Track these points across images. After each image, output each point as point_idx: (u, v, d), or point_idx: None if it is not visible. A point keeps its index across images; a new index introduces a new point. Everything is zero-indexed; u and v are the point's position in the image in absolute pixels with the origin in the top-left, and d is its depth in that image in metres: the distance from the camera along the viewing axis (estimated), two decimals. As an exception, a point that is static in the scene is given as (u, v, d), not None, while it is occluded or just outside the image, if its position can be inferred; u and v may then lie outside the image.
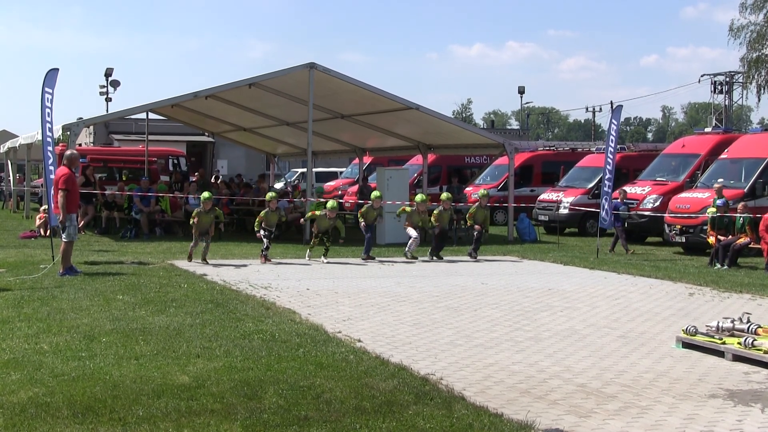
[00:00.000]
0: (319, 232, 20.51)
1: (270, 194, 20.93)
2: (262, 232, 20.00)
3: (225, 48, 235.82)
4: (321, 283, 16.06)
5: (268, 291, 15.00)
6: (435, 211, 21.64)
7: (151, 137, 35.65)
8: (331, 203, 20.95)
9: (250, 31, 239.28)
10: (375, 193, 22.26)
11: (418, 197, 22.36)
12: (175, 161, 40.00)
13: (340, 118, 30.27)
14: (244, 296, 14.26)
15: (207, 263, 18.70)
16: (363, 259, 20.64)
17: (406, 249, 21.45)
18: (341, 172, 46.07)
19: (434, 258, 21.31)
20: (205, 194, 19.38)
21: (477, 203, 22.68)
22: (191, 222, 19.19)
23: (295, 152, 38.61)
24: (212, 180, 35.00)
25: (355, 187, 35.55)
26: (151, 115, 34.99)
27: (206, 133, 45.07)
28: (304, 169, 36.46)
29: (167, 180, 32.59)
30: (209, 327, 11.36)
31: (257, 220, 20.24)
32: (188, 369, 8.99)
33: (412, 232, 21.48)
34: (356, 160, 38.65)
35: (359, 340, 10.81)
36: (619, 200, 23.57)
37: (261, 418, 7.26)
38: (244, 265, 18.85)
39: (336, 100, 28.11)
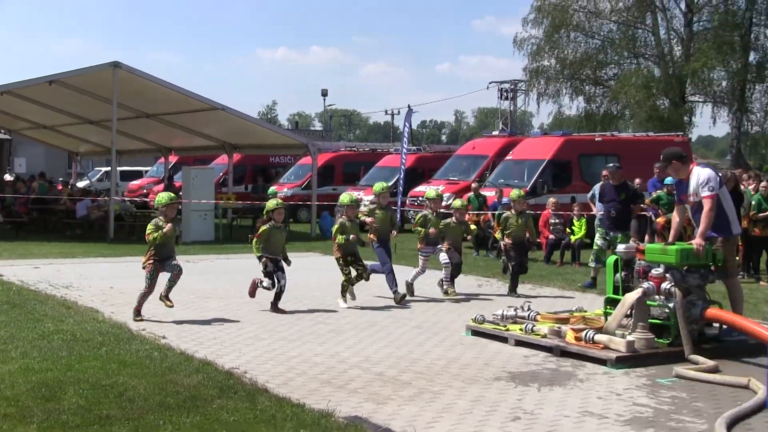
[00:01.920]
0: (345, 256, 13.50)
1: (274, 201, 13.36)
2: (265, 262, 12.88)
3: (27, 44, 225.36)
4: (125, 282, 15.59)
5: (69, 290, 14.48)
6: (445, 222, 14.99)
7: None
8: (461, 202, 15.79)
9: (57, 28, 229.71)
10: (380, 185, 14.85)
11: (457, 202, 15.85)
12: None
13: (146, 117, 29.52)
14: (43, 296, 13.70)
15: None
16: (397, 301, 13.72)
17: (409, 279, 14.76)
18: (146, 171, 44.96)
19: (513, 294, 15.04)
20: None
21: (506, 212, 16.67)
22: None
23: (99, 151, 37.27)
24: (5, 178, 33.34)
25: (161, 186, 34.84)
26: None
27: (2, 131, 42.79)
28: (108, 168, 35.35)
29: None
30: (4, 329, 10.80)
31: (255, 239, 12.92)
32: (-20, 373, 8.52)
33: (444, 258, 14.46)
34: (162, 159, 37.82)
35: (164, 337, 10.61)
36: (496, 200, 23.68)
37: (59, 420, 6.98)
38: (43, 266, 18.09)
39: (141, 100, 27.39)
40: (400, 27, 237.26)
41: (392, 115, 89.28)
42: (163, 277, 12.04)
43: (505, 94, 45.04)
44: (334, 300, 13.81)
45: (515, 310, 11.37)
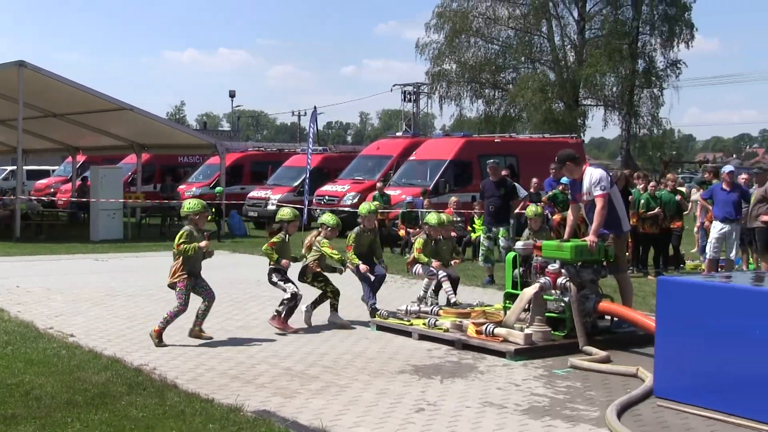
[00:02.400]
0: (320, 274, 11.53)
1: (366, 206, 12.27)
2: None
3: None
4: (32, 281, 15.20)
5: (-25, 290, 14.01)
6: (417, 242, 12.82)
7: None
8: (332, 218, 11.86)
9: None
10: (366, 206, 12.64)
11: (431, 218, 12.92)
12: None
13: (53, 116, 28.74)
14: (-55, 297, 13.23)
15: None
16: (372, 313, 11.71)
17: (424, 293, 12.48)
18: (54, 170, 43.84)
19: None
20: None
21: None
22: None
23: (5, 150, 36.06)
24: None
25: (69, 185, 34.11)
26: None
27: None
28: (14, 167, 34.35)
29: None
30: None
31: (270, 247, 11.20)
32: None
33: (443, 274, 12.34)
34: (70, 159, 36.93)
35: (72, 335, 10.36)
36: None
37: (-34, 418, 6.77)
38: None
39: (48, 99, 26.62)
40: (305, 30, 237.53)
41: (299, 116, 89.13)
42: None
43: (408, 96, 45.37)
44: (242, 296, 13.69)
45: (419, 305, 11.41)
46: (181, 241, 9.99)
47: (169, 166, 36.20)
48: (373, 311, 11.56)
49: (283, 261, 11.03)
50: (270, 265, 11.20)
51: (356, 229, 12.02)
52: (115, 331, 10.78)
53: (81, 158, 36.01)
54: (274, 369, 8.93)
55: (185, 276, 10.06)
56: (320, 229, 11.66)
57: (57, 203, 32.01)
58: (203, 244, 10.03)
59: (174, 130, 30.29)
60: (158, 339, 9.93)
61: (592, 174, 10.73)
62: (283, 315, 10.94)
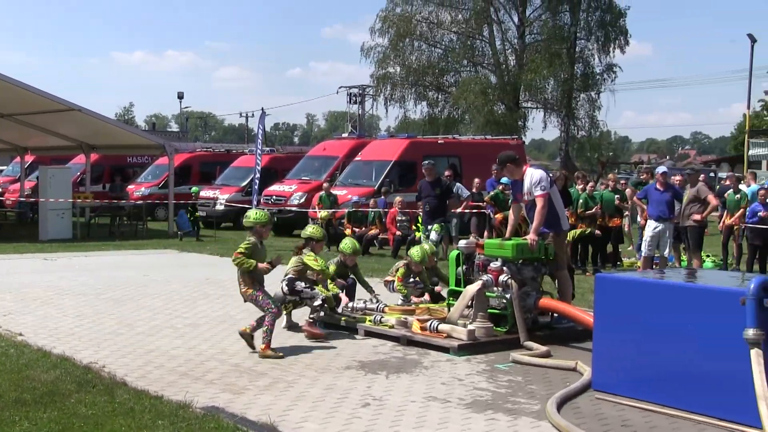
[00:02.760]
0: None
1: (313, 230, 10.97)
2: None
3: None
4: (-18, 280, 14.92)
5: None
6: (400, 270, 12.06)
7: None
8: (351, 244, 11.95)
9: None
10: (347, 244, 12.04)
11: (415, 254, 12.14)
12: None
13: (0, 117, 28.20)
14: None
15: None
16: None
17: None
18: (1, 171, 43.04)
19: None
20: None
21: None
22: None
23: (-48, 150, 35.53)
24: None
25: (17, 185, 33.53)
26: None
27: None
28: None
29: None
30: None
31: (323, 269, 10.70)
32: None
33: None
34: (18, 159, 36.27)
35: (20, 334, 10.17)
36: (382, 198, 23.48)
37: None
38: None
39: (-5, 99, 26.10)
40: (252, 33, 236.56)
41: (246, 117, 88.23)
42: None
43: (354, 98, 45.18)
44: (190, 295, 13.59)
45: (365, 302, 11.41)
46: (242, 251, 9.35)
47: (118, 166, 35.75)
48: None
49: (261, 265, 9.48)
50: (290, 274, 10.41)
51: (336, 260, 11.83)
52: (64, 330, 10.61)
53: (29, 158, 35.42)
54: (222, 366, 8.87)
55: (254, 288, 9.49)
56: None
57: (5, 203, 31.43)
58: (263, 266, 9.41)
59: (123, 131, 29.92)
60: (272, 351, 9.32)
61: (532, 175, 10.81)
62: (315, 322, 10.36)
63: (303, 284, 10.32)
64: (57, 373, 8.22)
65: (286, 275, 10.52)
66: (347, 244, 12.04)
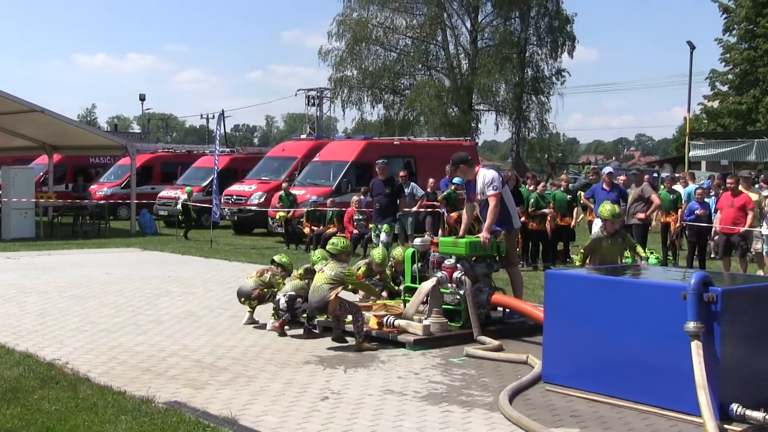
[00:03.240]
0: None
1: (609, 208, 10.96)
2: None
3: None
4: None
5: None
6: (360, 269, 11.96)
7: None
8: (379, 253, 12.21)
9: None
10: (377, 253, 12.26)
11: (377, 255, 12.23)
12: None
13: (-38, 118, 27.70)
14: None
15: None
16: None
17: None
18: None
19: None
20: None
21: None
22: None
23: None
24: None
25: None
26: None
27: None
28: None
29: None
30: None
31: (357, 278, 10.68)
32: None
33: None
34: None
35: (-16, 332, 10.01)
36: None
37: None
38: None
39: (-44, 101, 25.60)
40: (212, 37, 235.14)
41: (207, 119, 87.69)
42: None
43: (312, 100, 45.12)
44: (153, 292, 13.47)
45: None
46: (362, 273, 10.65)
47: (80, 166, 35.30)
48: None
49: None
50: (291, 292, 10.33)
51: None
52: (27, 327, 10.46)
53: (-8, 159, 34.84)
54: (184, 361, 8.80)
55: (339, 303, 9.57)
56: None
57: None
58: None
59: (85, 132, 29.53)
60: (367, 341, 9.49)
61: (485, 175, 10.86)
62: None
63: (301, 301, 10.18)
64: (20, 369, 8.10)
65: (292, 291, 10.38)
66: (377, 253, 12.28)
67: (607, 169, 17.82)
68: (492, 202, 10.61)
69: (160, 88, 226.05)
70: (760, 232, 16.91)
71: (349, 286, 10.01)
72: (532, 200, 18.20)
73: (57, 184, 31.56)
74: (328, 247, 10.07)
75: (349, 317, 9.69)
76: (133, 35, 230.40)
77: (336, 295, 9.52)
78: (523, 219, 17.72)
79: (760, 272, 16.41)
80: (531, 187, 18.99)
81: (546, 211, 18.22)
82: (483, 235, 10.42)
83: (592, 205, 17.40)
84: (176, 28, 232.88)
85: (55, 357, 8.76)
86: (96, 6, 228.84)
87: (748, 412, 6.70)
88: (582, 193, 19.41)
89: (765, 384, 7.25)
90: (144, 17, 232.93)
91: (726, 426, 6.64)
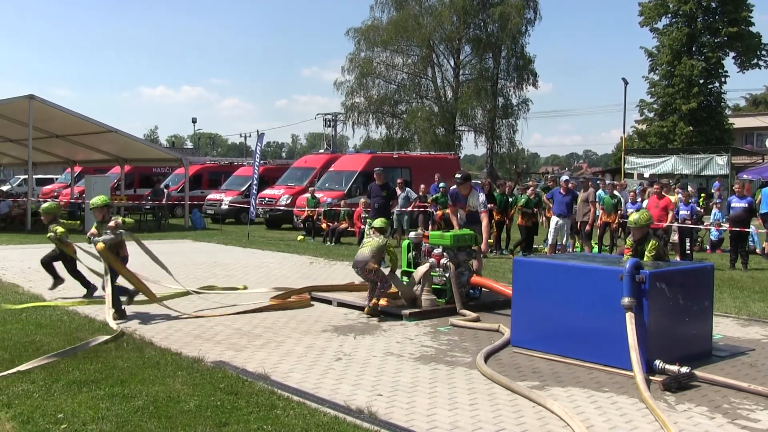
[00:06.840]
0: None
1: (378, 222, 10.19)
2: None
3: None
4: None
5: (-6, 270, 13.42)
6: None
7: None
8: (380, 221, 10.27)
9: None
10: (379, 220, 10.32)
11: (377, 222, 10.21)
12: None
13: (56, 137, 27.67)
14: (-27, 275, 12.65)
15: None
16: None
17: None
18: (57, 178, 42.21)
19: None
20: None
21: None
22: None
23: (18, 162, 34.67)
24: None
25: (68, 190, 33.00)
26: None
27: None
28: (26, 176, 32.99)
29: None
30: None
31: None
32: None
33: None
34: (69, 169, 35.64)
35: (72, 305, 10.01)
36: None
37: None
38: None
39: (51, 123, 25.52)
40: (248, 72, 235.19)
41: (245, 137, 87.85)
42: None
43: (328, 122, 45.05)
44: (203, 275, 13.45)
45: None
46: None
47: (146, 174, 35.33)
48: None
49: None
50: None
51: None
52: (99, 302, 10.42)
53: (78, 169, 34.82)
54: (227, 330, 8.81)
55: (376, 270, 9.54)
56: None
57: (60, 203, 30.80)
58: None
59: (149, 148, 29.58)
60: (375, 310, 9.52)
61: (479, 196, 11.26)
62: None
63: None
64: (96, 334, 8.11)
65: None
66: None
67: (564, 177, 17.81)
68: (485, 220, 11.05)
69: (207, 112, 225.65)
70: (677, 225, 16.94)
71: (385, 253, 9.80)
72: (522, 200, 18.41)
73: (127, 189, 31.59)
74: (374, 224, 10.08)
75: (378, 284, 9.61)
76: (185, 72, 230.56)
77: (375, 260, 9.53)
78: (497, 216, 17.83)
79: (677, 258, 16.39)
80: (501, 191, 19.03)
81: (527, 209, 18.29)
82: (483, 248, 10.95)
83: (551, 205, 17.43)
84: (219, 66, 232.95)
85: (126, 326, 8.78)
86: (158, 49, 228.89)
87: (667, 366, 6.77)
88: (544, 195, 19.40)
89: (681, 345, 7.31)
90: (194, 57, 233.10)
91: (651, 377, 6.69)
